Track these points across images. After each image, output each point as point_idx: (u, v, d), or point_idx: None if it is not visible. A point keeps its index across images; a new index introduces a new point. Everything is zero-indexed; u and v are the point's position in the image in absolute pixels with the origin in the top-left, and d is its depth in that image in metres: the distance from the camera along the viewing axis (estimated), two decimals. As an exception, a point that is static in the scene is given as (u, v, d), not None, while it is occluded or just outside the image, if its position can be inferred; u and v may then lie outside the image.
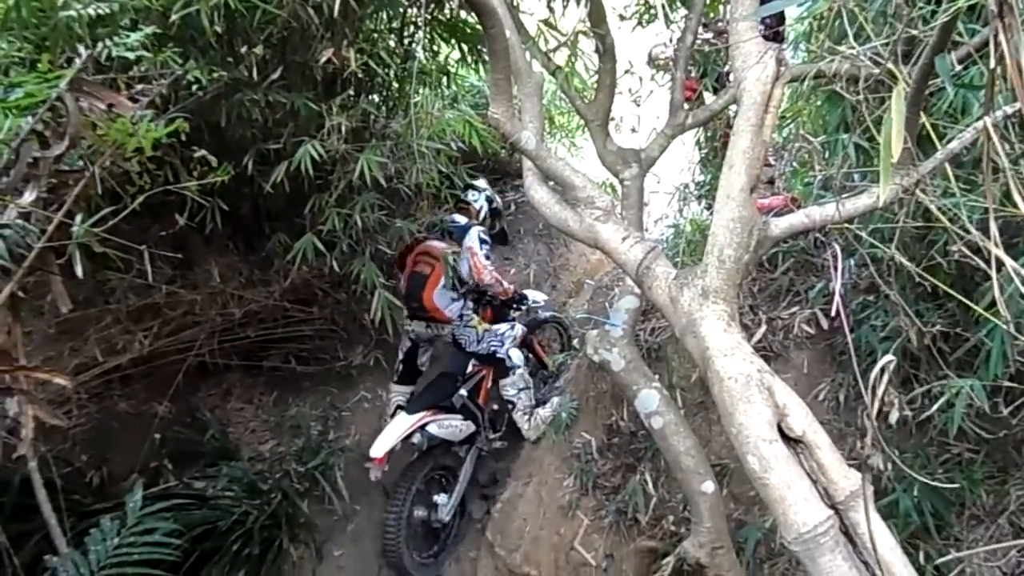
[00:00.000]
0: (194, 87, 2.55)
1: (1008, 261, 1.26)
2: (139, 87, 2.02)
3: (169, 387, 3.86)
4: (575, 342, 4.25)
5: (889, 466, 2.82)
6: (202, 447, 3.91)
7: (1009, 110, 1.48)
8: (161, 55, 2.25)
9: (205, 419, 4.04)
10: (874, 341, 3.09)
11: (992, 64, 0.94)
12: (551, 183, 2.20)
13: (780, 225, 1.86)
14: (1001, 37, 0.88)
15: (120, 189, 1.96)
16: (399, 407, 3.95)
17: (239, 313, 3.80)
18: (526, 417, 3.89)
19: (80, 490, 3.50)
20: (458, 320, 3.92)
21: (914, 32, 1.64)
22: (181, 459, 3.84)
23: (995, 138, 1.16)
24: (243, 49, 2.96)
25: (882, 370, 0.99)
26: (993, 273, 1.22)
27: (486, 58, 3.33)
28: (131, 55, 1.98)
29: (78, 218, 1.75)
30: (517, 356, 3.95)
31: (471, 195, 4.11)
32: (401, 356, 4.15)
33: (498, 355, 3.92)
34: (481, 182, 4.24)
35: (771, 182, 3.88)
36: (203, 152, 2.18)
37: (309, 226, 3.44)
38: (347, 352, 4.35)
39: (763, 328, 3.36)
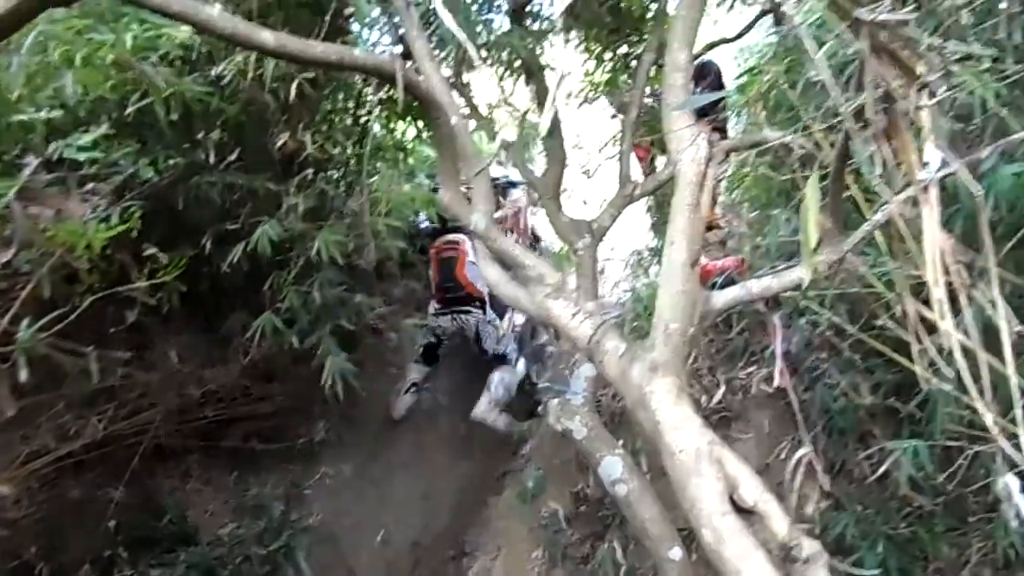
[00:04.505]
0: (149, 175, 2.58)
1: (943, 325, 1.32)
2: (90, 186, 2.04)
3: (124, 471, 3.75)
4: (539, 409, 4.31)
5: (852, 524, 2.85)
6: (159, 532, 3.77)
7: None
8: (114, 152, 2.28)
9: (162, 503, 3.91)
10: (829, 399, 3.15)
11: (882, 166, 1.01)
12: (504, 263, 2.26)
13: (721, 298, 1.92)
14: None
15: (70, 288, 1.96)
16: (414, 384, 4.39)
17: (197, 393, 3.74)
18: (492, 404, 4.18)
19: (29, 584, 3.35)
20: (487, 303, 4.22)
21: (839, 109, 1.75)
22: (137, 546, 3.70)
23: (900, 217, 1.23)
24: (200, 134, 3.01)
25: (799, 461, 1.02)
26: (918, 339, 1.27)
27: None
28: (82, 156, 2.01)
29: (24, 323, 1.75)
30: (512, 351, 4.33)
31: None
32: (423, 341, 4.45)
33: (507, 357, 4.26)
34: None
35: (723, 244, 4.00)
36: (153, 249, 2.19)
37: (268, 303, 3.44)
38: (309, 428, 4.28)
39: (722, 389, 3.41)
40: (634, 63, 3.57)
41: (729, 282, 3.44)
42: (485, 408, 4.15)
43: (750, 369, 3.51)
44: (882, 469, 2.56)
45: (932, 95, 1.10)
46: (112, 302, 3.08)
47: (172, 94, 2.39)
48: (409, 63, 2.03)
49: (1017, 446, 1.14)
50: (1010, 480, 1.69)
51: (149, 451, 3.83)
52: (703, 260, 3.77)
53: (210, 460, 4.31)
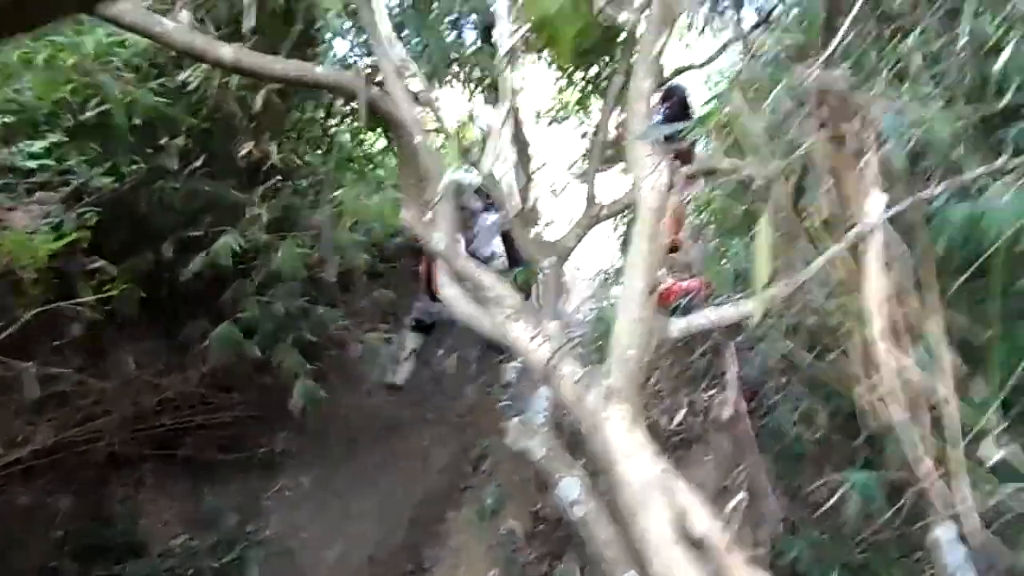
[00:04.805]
0: (108, 180, 2.54)
1: (884, 368, 1.34)
2: (38, 195, 1.99)
3: (76, 479, 3.66)
4: None
5: (807, 549, 2.87)
6: (108, 542, 3.68)
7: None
8: (70, 158, 2.24)
9: (113, 512, 3.82)
10: (787, 425, 3.18)
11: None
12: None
13: (678, 325, 1.93)
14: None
15: (17, 299, 1.92)
16: (414, 350, 4.41)
17: (153, 401, 3.66)
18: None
19: (-30, 595, 3.25)
20: None
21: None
22: (85, 556, 3.60)
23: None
24: (164, 140, 2.97)
25: (735, 506, 1.03)
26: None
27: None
28: (33, 163, 1.96)
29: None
30: None
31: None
32: (415, 314, 4.44)
33: None
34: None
35: (688, 265, 4.02)
36: (101, 262, 2.15)
37: (230, 312, 3.40)
38: (269, 438, 4.22)
39: (683, 411, 3.43)
40: (605, 84, 3.59)
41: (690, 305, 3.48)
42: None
43: (711, 392, 3.53)
44: (834, 499, 2.57)
45: (879, 139, 1.12)
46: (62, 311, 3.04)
47: (130, 102, 2.35)
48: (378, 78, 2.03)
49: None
50: (942, 531, 1.71)
51: (102, 459, 3.74)
52: (668, 281, 3.80)
53: (165, 469, 4.21)
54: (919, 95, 2.08)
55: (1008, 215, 2.09)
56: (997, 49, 1.99)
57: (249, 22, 1.90)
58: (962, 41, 2.03)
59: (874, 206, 1.13)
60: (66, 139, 2.31)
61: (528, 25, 1.26)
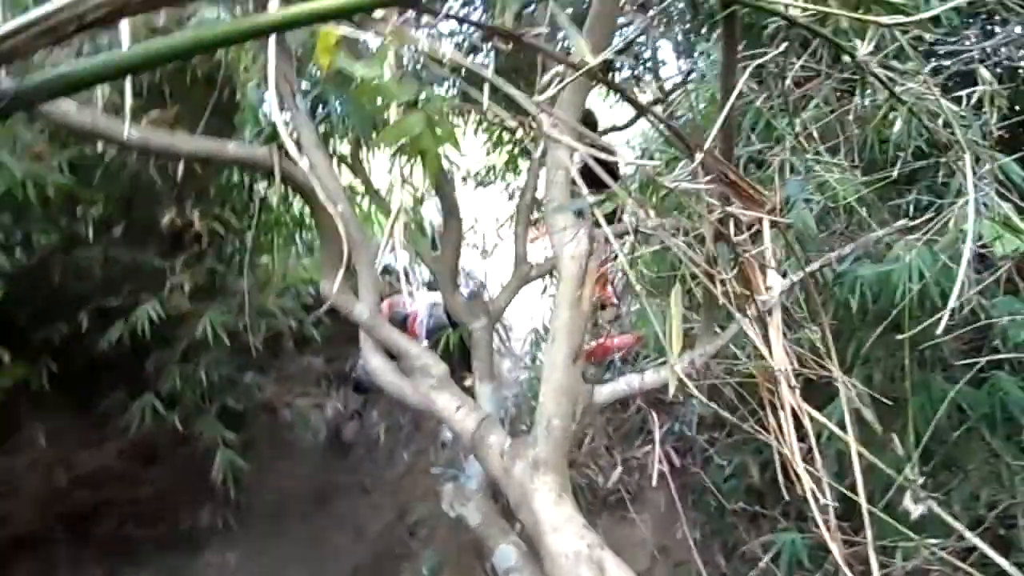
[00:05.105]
0: (17, 252, 2.44)
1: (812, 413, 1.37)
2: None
3: (-22, 566, 3.41)
4: None
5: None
6: (15, 635, 3.42)
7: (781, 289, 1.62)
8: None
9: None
10: (719, 480, 3.20)
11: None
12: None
13: (604, 392, 1.93)
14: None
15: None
16: (356, 411, 4.55)
17: (66, 478, 3.47)
18: None
19: None
20: None
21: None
22: (-11, 654, 3.35)
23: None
24: (80, 208, 2.88)
25: None
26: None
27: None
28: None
29: None
30: None
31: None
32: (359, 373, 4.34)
33: None
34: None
35: (617, 319, 4.07)
36: None
37: (152, 382, 3.27)
38: (192, 513, 4.01)
39: (619, 469, 3.42)
40: (531, 146, 3.67)
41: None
42: None
43: (646, 448, 3.54)
44: (767, 557, 2.59)
45: (774, 224, 1.16)
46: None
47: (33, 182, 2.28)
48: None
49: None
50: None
51: (7, 543, 3.50)
52: (600, 338, 3.83)
53: (78, 550, 3.96)
54: (822, 160, 2.19)
55: (915, 272, 2.21)
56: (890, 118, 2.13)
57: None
58: (857, 109, 2.16)
59: (774, 283, 1.17)
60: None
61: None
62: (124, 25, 0.98)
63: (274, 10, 0.72)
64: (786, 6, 0.95)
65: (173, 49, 0.58)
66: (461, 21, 2.14)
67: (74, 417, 3.63)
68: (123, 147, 1.70)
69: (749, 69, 1.66)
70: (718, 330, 2.10)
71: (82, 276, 3.09)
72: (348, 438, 4.52)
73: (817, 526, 2.32)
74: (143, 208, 3.17)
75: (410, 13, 1.01)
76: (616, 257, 4.26)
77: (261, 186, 3.65)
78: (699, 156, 1.00)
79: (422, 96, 1.14)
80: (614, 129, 3.93)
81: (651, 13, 3.21)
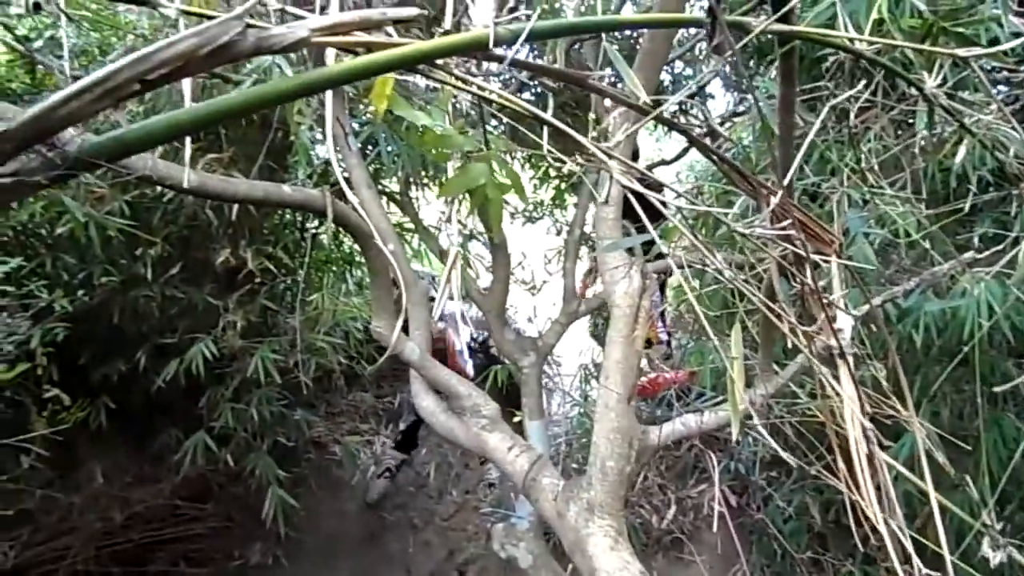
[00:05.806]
0: (66, 298, 2.52)
1: (883, 457, 1.30)
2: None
3: (37, 603, 3.46)
4: None
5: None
6: (72, 672, 3.45)
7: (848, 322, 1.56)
8: (30, 283, 2.23)
9: (78, 639, 3.59)
10: (779, 521, 3.09)
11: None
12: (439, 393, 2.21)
13: (660, 433, 1.88)
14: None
15: None
16: (388, 469, 4.39)
17: (122, 515, 3.52)
18: None
19: None
20: None
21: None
22: None
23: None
24: (139, 249, 2.96)
25: None
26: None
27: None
28: (-7, 288, 1.95)
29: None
30: None
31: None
32: (402, 427, 4.43)
33: None
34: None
35: (668, 357, 4.00)
36: (55, 391, 2.12)
37: (205, 420, 3.32)
38: (244, 550, 4.03)
39: (673, 508, 3.33)
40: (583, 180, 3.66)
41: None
42: None
43: (701, 487, 3.44)
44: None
45: (841, 261, 1.12)
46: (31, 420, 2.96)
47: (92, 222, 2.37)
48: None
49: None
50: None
51: (64, 578, 3.56)
52: (651, 374, 3.76)
53: (133, 588, 4.01)
54: (882, 193, 2.12)
55: (983, 306, 2.11)
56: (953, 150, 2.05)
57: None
58: (919, 141, 2.10)
59: (843, 324, 1.12)
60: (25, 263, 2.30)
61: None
62: (187, 84, 1.00)
63: (335, 64, 0.72)
64: (851, 40, 0.92)
65: (234, 107, 0.58)
66: (530, 68, 2.15)
67: (130, 455, 3.69)
68: (181, 192, 1.74)
69: (806, 102, 1.63)
70: (776, 368, 2.04)
71: (140, 315, 3.16)
72: (373, 498, 4.39)
73: (887, 571, 2.21)
74: (199, 248, 3.24)
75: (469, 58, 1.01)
76: (665, 293, 4.22)
77: (312, 225, 3.72)
78: (773, 200, 0.97)
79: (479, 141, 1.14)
80: (663, 163, 3.91)
81: (701, 47, 3.20)
